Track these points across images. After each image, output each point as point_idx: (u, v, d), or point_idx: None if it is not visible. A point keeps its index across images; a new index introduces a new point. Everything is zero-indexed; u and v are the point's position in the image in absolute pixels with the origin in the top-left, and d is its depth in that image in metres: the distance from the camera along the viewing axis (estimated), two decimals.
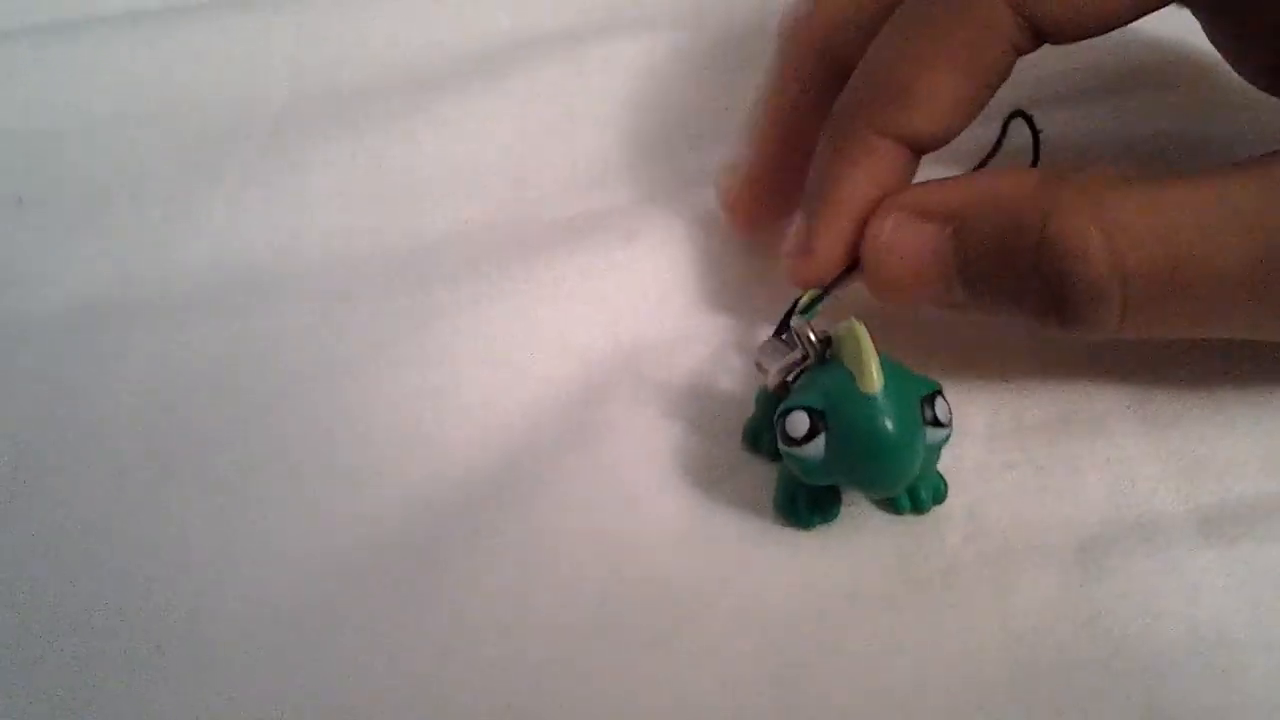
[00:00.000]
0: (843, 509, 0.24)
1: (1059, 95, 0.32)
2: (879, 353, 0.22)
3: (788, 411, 0.22)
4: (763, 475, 0.25)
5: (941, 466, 0.24)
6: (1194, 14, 0.27)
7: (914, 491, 0.24)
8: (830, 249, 0.25)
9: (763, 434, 0.25)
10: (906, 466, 0.22)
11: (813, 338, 0.23)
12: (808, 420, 0.22)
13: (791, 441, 0.22)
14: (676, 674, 0.22)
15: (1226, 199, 0.21)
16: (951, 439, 0.22)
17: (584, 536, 0.25)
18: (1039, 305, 0.22)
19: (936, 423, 0.22)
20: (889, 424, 0.21)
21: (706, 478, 0.25)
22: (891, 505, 0.24)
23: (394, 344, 0.29)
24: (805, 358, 0.24)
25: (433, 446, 0.27)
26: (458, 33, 0.39)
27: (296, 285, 0.31)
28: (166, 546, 0.25)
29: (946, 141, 0.25)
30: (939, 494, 0.24)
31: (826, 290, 0.25)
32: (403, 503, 0.26)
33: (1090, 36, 0.24)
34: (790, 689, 0.22)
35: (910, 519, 0.24)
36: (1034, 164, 0.27)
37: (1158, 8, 0.24)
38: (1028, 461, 0.24)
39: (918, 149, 0.25)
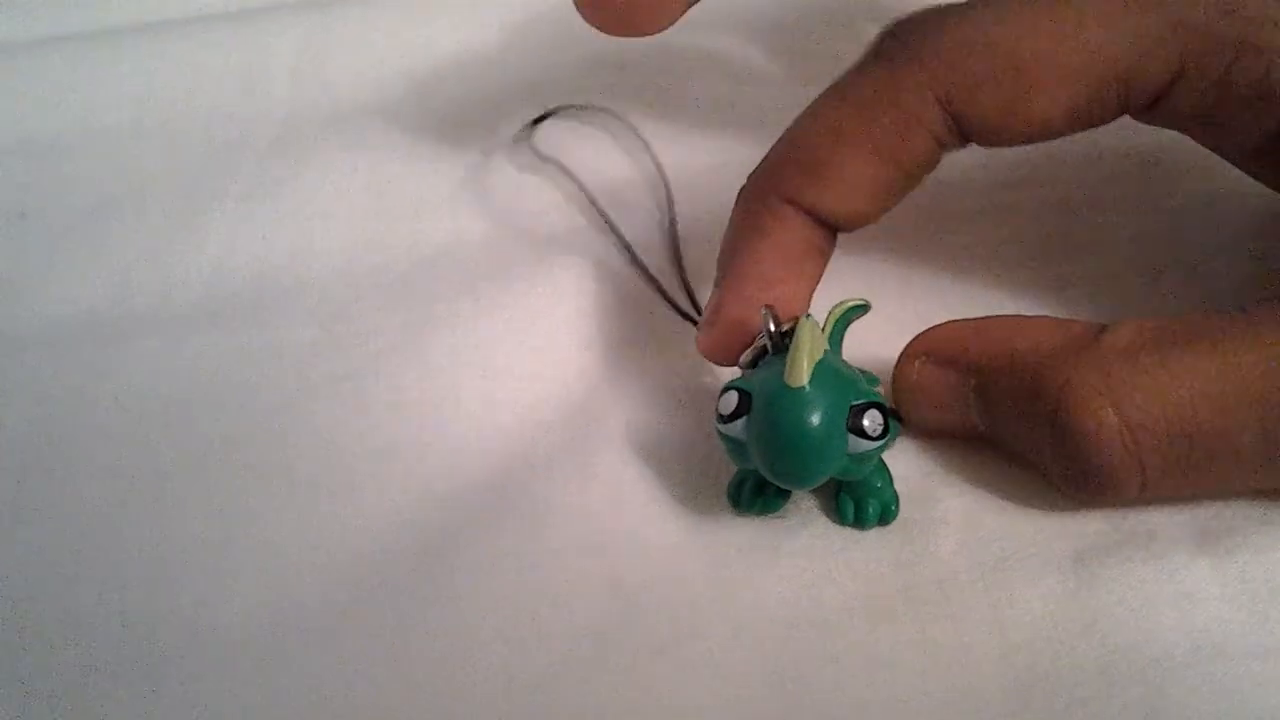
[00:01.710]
0: (836, 520, 0.24)
1: None
2: (830, 353, 0.22)
3: (726, 389, 0.23)
4: None
5: (936, 474, 0.24)
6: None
7: (860, 504, 0.24)
8: (734, 321, 0.25)
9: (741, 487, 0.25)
10: (810, 465, 0.22)
11: (773, 326, 0.24)
12: (736, 399, 0.22)
13: (720, 418, 0.23)
14: (676, 685, 0.22)
15: (1239, 372, 0.21)
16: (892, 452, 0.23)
17: (584, 547, 0.25)
18: (1055, 470, 0.23)
19: (862, 433, 0.22)
20: (798, 418, 0.21)
21: (706, 489, 0.25)
22: (838, 514, 0.24)
23: (394, 357, 0.29)
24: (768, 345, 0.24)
25: (433, 458, 0.27)
26: (457, 45, 0.39)
27: (297, 298, 0.32)
28: (168, 556, 0.26)
29: (864, 223, 0.25)
30: (888, 513, 0.24)
31: None
32: (403, 514, 0.26)
33: (1016, 144, 0.24)
34: (789, 700, 0.22)
35: (908, 528, 0.24)
36: None
37: (1092, 126, 0.24)
38: (1025, 470, 0.24)
39: (832, 226, 0.25)
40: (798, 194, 0.25)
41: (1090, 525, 0.24)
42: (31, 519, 0.27)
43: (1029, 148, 0.26)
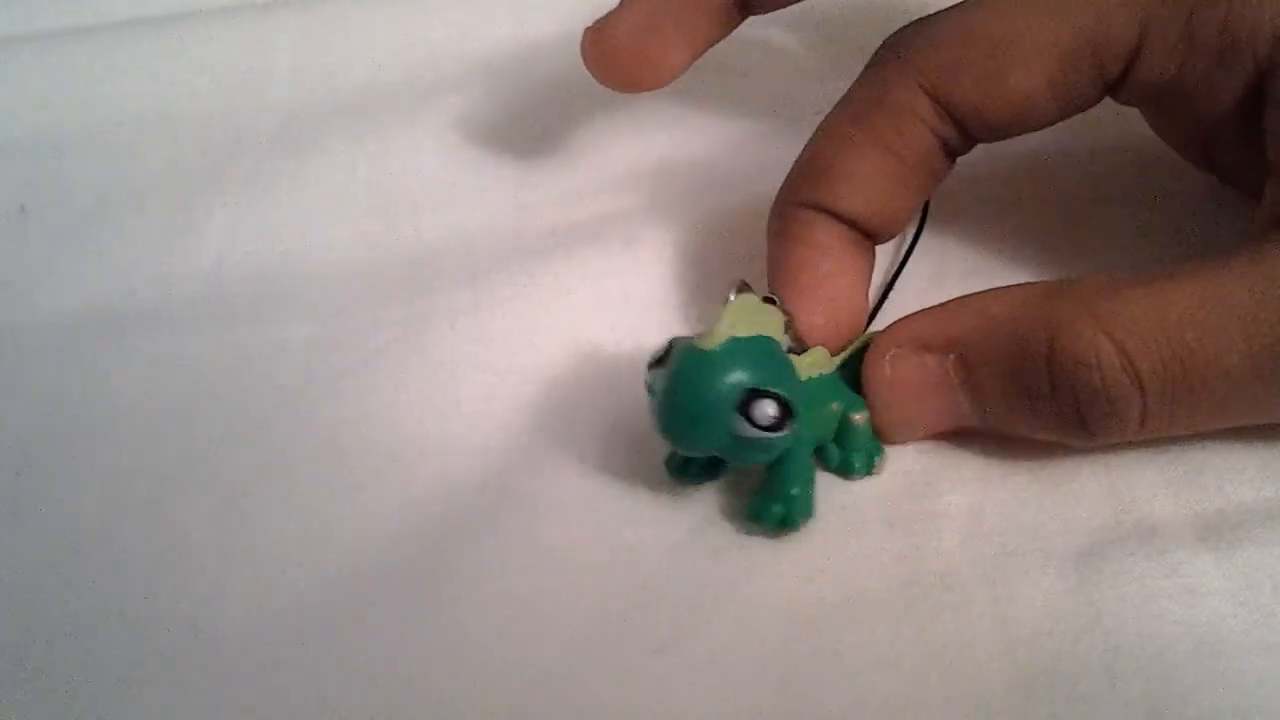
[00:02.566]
0: (837, 515, 0.24)
1: None
2: (773, 341, 0.23)
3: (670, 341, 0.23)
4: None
5: (938, 469, 0.24)
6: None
7: (765, 503, 0.24)
8: (816, 328, 0.25)
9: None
10: (683, 427, 0.22)
11: (733, 297, 0.24)
12: (665, 349, 0.23)
13: (649, 364, 0.23)
14: (678, 682, 0.22)
15: (1221, 296, 0.21)
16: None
17: (586, 544, 0.25)
18: (1057, 420, 0.23)
19: (749, 418, 0.21)
20: (689, 377, 0.22)
21: (707, 488, 0.25)
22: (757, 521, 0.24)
23: (394, 352, 0.29)
24: None
25: (433, 454, 0.27)
26: (458, 40, 0.39)
27: (298, 294, 0.32)
28: (168, 555, 0.26)
29: (887, 220, 0.26)
30: (789, 520, 0.23)
31: (902, 263, 0.28)
32: (403, 510, 0.26)
33: (1011, 134, 0.25)
34: (791, 696, 0.22)
35: (909, 523, 0.24)
36: (917, 234, 0.29)
37: (1076, 104, 0.25)
38: (1027, 466, 0.24)
39: (862, 228, 0.26)
40: (813, 197, 0.26)
41: (1093, 520, 0.23)
42: (31, 519, 0.27)
43: (1032, 142, 0.26)
